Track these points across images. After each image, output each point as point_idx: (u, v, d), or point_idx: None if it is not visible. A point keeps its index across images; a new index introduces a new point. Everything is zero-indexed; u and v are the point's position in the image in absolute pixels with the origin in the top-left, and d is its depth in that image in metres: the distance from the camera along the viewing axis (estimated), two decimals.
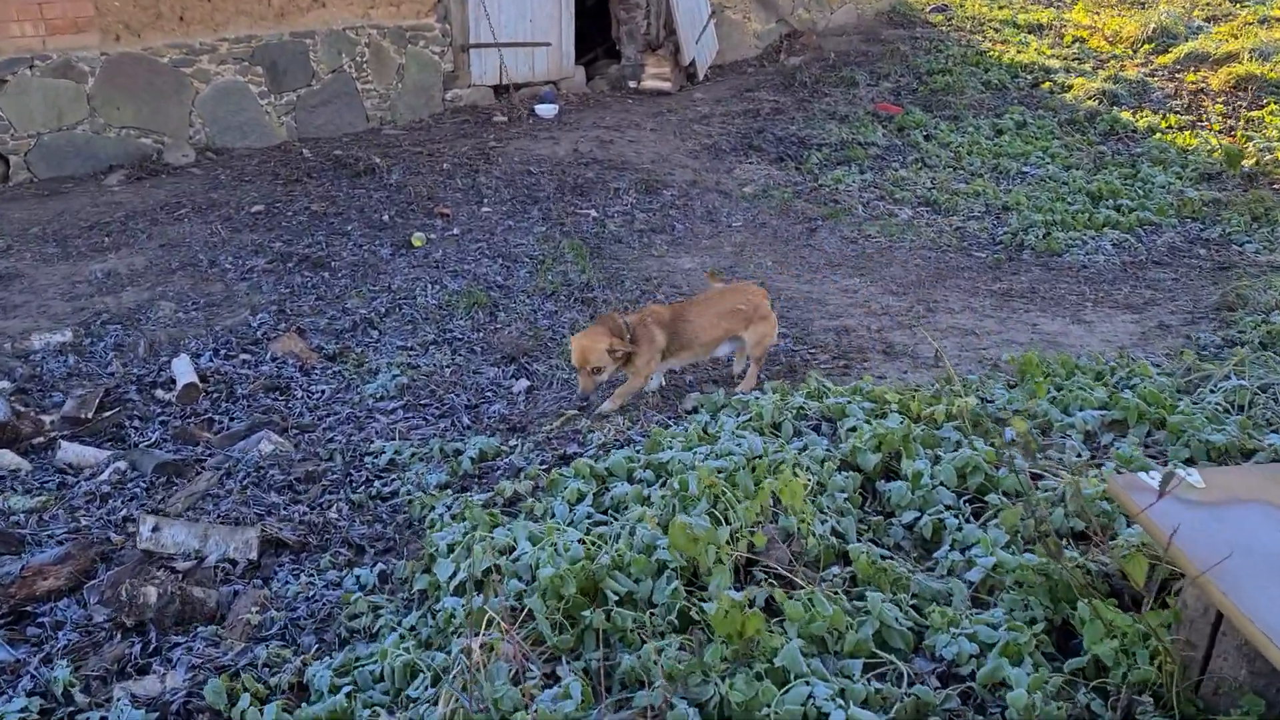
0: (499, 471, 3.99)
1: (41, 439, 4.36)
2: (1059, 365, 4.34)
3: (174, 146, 8.69)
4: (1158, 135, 9.60)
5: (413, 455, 4.21)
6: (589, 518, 3.29)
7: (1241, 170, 8.47)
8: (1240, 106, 10.23)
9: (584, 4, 11.45)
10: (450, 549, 3.19)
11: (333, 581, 3.35)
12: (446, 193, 8.04)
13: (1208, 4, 14.01)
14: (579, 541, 2.95)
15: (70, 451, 4.21)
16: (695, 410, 4.36)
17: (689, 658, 2.52)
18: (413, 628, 2.95)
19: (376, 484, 4.02)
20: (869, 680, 2.45)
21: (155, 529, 3.45)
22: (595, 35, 12.13)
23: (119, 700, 2.74)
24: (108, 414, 4.56)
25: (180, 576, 3.30)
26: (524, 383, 4.97)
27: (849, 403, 3.92)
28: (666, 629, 2.69)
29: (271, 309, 5.81)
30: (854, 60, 12.28)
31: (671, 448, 3.67)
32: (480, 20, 10.28)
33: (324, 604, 3.23)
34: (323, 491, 3.97)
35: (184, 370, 4.91)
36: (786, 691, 2.34)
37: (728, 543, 2.84)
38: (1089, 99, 10.63)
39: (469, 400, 4.82)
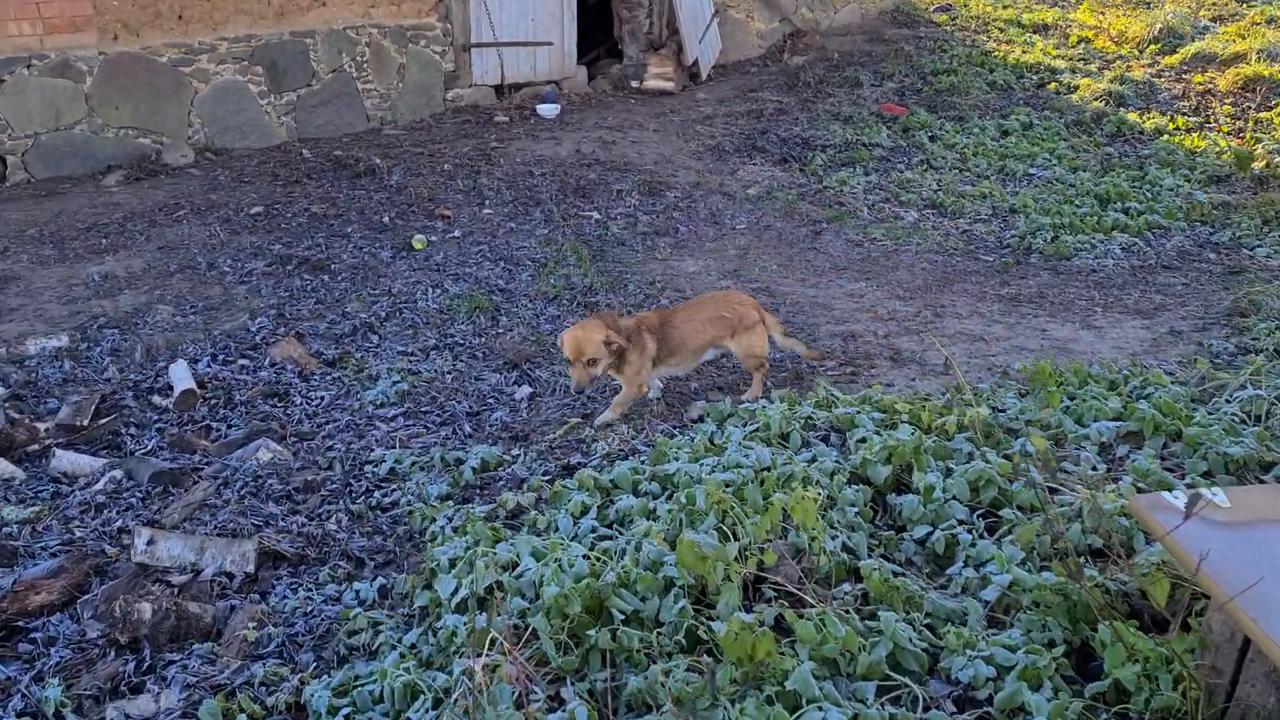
0: (501, 482, 3.92)
1: (36, 447, 4.29)
2: (1071, 374, 4.26)
3: (173, 147, 8.62)
4: (1165, 137, 9.52)
5: (413, 464, 4.14)
6: (593, 531, 3.23)
7: (1251, 173, 8.39)
8: (1249, 108, 10.14)
9: (586, 3, 11.36)
10: (452, 564, 3.12)
11: (331, 596, 3.28)
12: (447, 194, 7.97)
13: (1214, 4, 13.92)
14: (584, 557, 2.88)
15: (65, 460, 4.14)
16: (701, 419, 4.28)
17: (697, 679, 2.45)
18: (413, 646, 2.88)
19: (376, 494, 3.95)
20: (883, 704, 2.38)
21: (150, 542, 3.38)
22: (597, 34, 12.05)
23: None
24: (104, 421, 4.48)
25: (176, 591, 3.23)
26: (526, 389, 4.90)
27: (858, 412, 3.85)
28: (674, 649, 2.62)
29: (270, 313, 5.74)
30: (858, 60, 12.19)
31: (677, 459, 3.60)
32: (482, 19, 10.20)
33: (322, 619, 3.16)
34: (321, 501, 3.90)
35: (181, 376, 4.83)
36: (798, 716, 2.28)
37: (736, 559, 2.77)
38: (1095, 100, 10.54)
39: (470, 407, 4.74)
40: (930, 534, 3.10)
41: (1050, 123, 9.97)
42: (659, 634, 2.64)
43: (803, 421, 3.85)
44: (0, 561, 3.44)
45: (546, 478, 3.85)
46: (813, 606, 2.64)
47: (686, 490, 3.13)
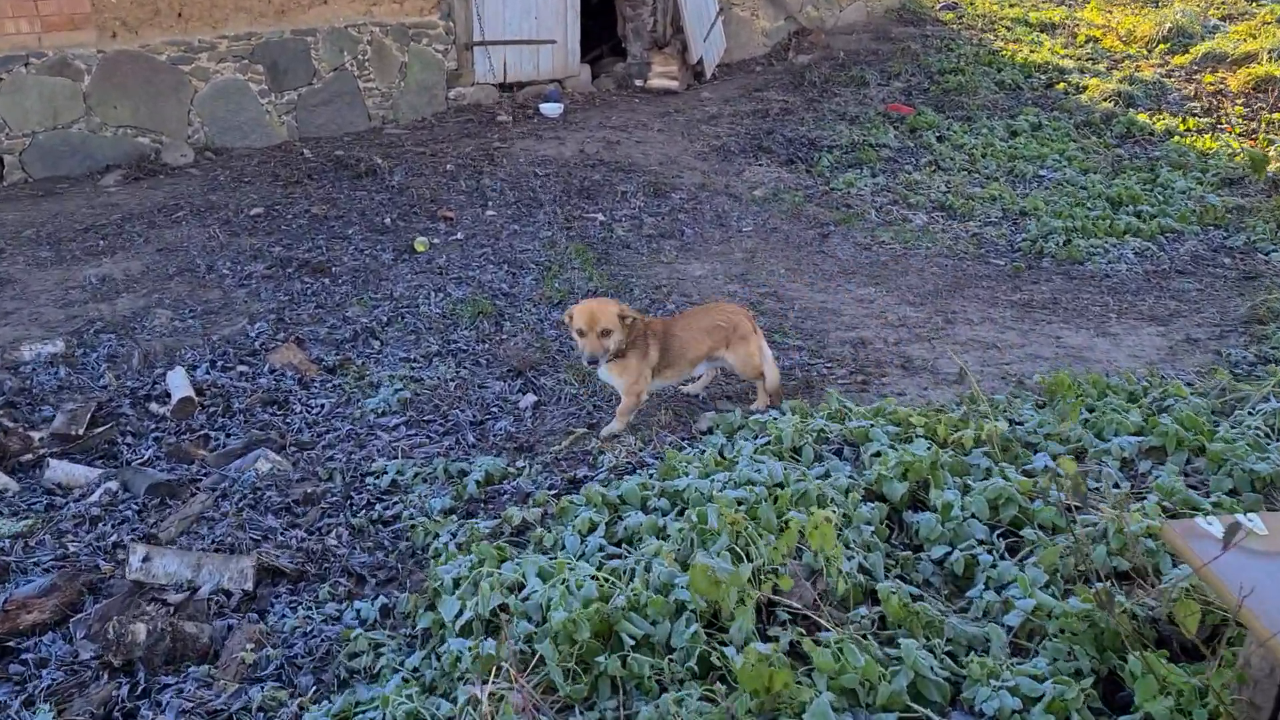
0: (506, 495, 3.82)
1: (30, 456, 4.19)
2: (1090, 385, 4.16)
3: (172, 146, 8.52)
4: (1176, 138, 9.40)
5: (416, 475, 4.04)
6: (601, 550, 3.13)
7: (1266, 175, 8.27)
8: (1261, 108, 10.02)
9: (590, 1, 11.25)
10: (456, 584, 3.02)
11: (332, 615, 3.19)
12: (450, 195, 7.87)
13: (1224, 3, 13.79)
14: (592, 579, 2.78)
15: (60, 470, 4.04)
16: (710, 431, 4.19)
17: (710, 709, 2.36)
18: (416, 670, 2.79)
19: (378, 507, 3.85)
20: None
21: (146, 559, 3.29)
22: (601, 33, 11.94)
23: None
24: (99, 430, 4.39)
25: (172, 610, 3.14)
26: (531, 398, 4.80)
27: (872, 425, 3.75)
28: (686, 676, 2.53)
29: (270, 317, 5.65)
30: (864, 59, 12.08)
31: (687, 474, 3.50)
32: (484, 17, 10.10)
33: (322, 640, 3.06)
34: (322, 515, 3.81)
35: (179, 383, 4.74)
36: None
37: (750, 581, 2.67)
38: (1104, 100, 10.43)
39: (474, 416, 4.65)
40: (949, 554, 3.00)
41: (1059, 123, 9.86)
42: (670, 660, 2.55)
43: (815, 434, 3.75)
44: None
45: (552, 492, 3.75)
46: (829, 631, 2.55)
47: (698, 509, 3.03)
